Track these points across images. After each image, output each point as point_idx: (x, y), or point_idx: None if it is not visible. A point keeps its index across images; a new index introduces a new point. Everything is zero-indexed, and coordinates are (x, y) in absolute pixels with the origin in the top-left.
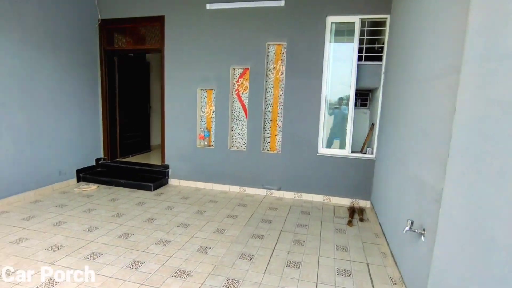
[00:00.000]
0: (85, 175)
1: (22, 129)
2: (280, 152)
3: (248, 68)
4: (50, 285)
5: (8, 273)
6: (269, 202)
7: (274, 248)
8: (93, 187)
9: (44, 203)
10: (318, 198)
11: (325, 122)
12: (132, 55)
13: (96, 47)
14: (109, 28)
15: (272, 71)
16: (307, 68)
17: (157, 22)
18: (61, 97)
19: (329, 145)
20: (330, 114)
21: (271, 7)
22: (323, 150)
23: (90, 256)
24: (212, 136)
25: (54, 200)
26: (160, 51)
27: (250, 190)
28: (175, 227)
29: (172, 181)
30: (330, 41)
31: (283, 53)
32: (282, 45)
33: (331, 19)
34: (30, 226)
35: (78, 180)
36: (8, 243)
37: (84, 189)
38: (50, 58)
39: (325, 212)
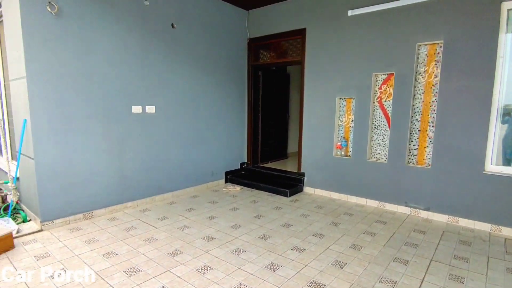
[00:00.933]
0: (231, 177)
1: (187, 137)
2: (430, 167)
3: (393, 74)
4: (206, 270)
5: (176, 253)
6: (414, 223)
7: (423, 279)
8: (237, 188)
9: (200, 199)
10: (482, 226)
11: (496, 133)
12: (274, 68)
13: (245, 64)
14: (256, 45)
15: (423, 74)
16: (471, 68)
17: (299, 35)
18: (216, 109)
19: (505, 162)
20: (504, 123)
21: (424, 2)
22: (493, 168)
23: (235, 251)
24: (350, 146)
25: (208, 197)
26: (300, 62)
27: (390, 207)
28: (310, 235)
29: (307, 189)
30: (507, 32)
31: (438, 53)
32: (437, 44)
33: (508, 5)
34: (191, 217)
35: (226, 181)
36: (176, 228)
37: (230, 190)
38: (210, 77)
39: (494, 245)
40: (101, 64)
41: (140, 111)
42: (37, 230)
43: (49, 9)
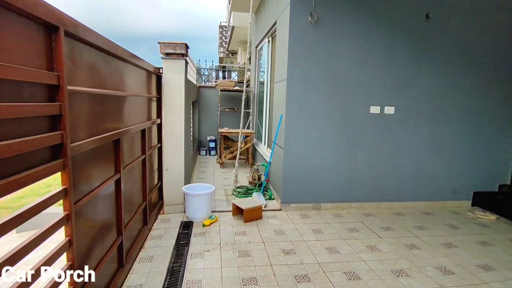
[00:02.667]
0: (482, 200)
1: (425, 143)
2: None
3: None
4: None
5: (400, 273)
6: None
7: None
8: (491, 216)
9: (435, 218)
10: None
11: None
12: None
13: None
14: None
15: None
16: None
17: None
18: (469, 115)
19: None
20: None
21: None
22: None
23: None
24: None
25: (444, 218)
26: None
27: None
28: None
29: None
30: None
31: None
32: None
33: None
34: (421, 236)
35: (473, 204)
36: (402, 244)
37: (479, 216)
38: (466, 74)
39: None
40: (343, 66)
41: (378, 112)
42: (277, 209)
43: (309, 18)
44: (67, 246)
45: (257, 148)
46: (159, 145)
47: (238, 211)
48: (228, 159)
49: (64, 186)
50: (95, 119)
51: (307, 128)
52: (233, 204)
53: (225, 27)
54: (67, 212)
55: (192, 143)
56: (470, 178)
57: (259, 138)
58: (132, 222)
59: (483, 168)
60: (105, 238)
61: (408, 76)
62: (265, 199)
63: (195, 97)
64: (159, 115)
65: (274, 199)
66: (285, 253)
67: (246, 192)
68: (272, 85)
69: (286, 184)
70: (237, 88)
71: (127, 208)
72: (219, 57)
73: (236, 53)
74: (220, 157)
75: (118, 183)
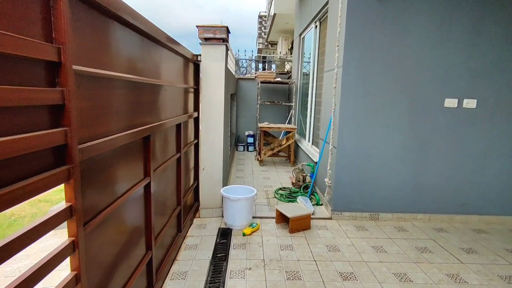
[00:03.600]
0: None
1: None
2: None
3: None
4: None
5: None
6: None
7: None
8: None
9: None
10: None
11: None
12: None
13: None
14: None
15: None
16: None
17: None
18: None
19: None
20: None
21: None
22: None
23: None
24: None
25: None
26: None
27: None
28: None
29: None
30: None
31: None
32: None
33: None
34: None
35: None
36: (496, 276)
37: None
38: None
39: None
40: (415, 47)
41: (455, 105)
42: (327, 217)
43: None
44: (73, 283)
45: (299, 145)
46: (196, 141)
47: (282, 218)
48: (268, 156)
49: (69, 204)
50: (117, 112)
51: (366, 123)
52: (277, 210)
53: (265, 17)
54: (72, 239)
55: (230, 139)
56: None
57: (301, 134)
58: (165, 230)
59: None
60: (130, 257)
61: (499, 58)
62: (312, 204)
63: (234, 90)
64: (196, 108)
65: (322, 204)
66: (343, 277)
67: (290, 195)
68: (319, 75)
69: (339, 188)
70: (278, 79)
71: (158, 215)
72: (258, 49)
73: (276, 44)
74: (260, 154)
75: (147, 188)
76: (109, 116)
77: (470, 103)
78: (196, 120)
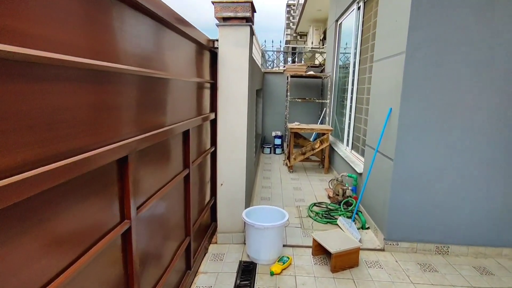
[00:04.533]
0: None
1: None
2: None
3: None
4: None
5: None
6: None
7: None
8: None
9: None
10: None
11: None
12: None
13: None
14: None
15: None
16: None
17: None
18: None
19: None
20: None
21: None
22: None
23: None
24: None
25: None
26: None
27: None
28: None
29: None
30: None
31: None
32: None
33: None
34: None
35: None
36: None
37: None
38: None
39: None
40: (508, 20)
41: None
42: (379, 248)
43: None
44: None
45: (335, 149)
46: (213, 149)
47: (321, 249)
48: (299, 161)
49: None
50: (88, 116)
51: (436, 128)
52: (314, 240)
53: (294, 5)
54: None
55: (255, 140)
56: None
57: (337, 136)
58: (167, 274)
59: None
60: None
61: None
62: (357, 228)
63: (260, 85)
64: (213, 107)
65: (368, 228)
66: None
67: (328, 214)
68: (361, 67)
69: (394, 211)
70: (311, 73)
71: (153, 259)
72: (285, 41)
73: (306, 35)
74: (289, 158)
75: (126, 235)
76: (70, 123)
77: None
78: (213, 123)
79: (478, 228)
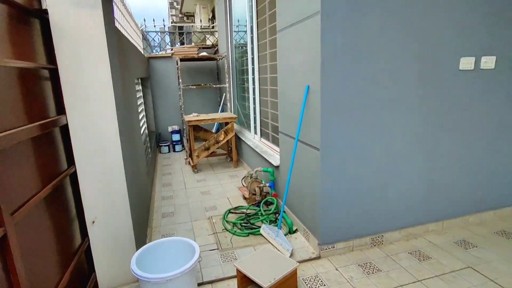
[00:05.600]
0: None
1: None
2: None
3: None
4: None
5: None
6: None
7: None
8: None
9: None
10: None
11: None
12: None
13: None
14: None
15: None
16: None
17: None
18: None
19: None
20: None
21: None
22: None
23: None
24: None
25: None
26: None
27: None
28: None
29: None
30: None
31: None
32: None
33: None
34: None
35: None
36: None
37: None
38: None
39: None
40: None
41: (472, 67)
42: (314, 256)
43: None
44: None
45: (242, 138)
46: (74, 169)
47: (248, 280)
48: (204, 158)
49: None
50: None
51: (358, 104)
52: (238, 272)
53: None
54: None
55: (148, 141)
56: None
57: (242, 123)
58: None
59: None
60: None
61: None
62: (284, 235)
63: (144, 72)
64: (60, 107)
65: (296, 231)
66: None
67: (248, 222)
68: (264, 41)
69: (327, 210)
70: (204, 54)
71: None
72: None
73: (193, 16)
74: (191, 156)
75: None
76: None
77: (487, 62)
78: (65, 129)
79: (408, 209)
